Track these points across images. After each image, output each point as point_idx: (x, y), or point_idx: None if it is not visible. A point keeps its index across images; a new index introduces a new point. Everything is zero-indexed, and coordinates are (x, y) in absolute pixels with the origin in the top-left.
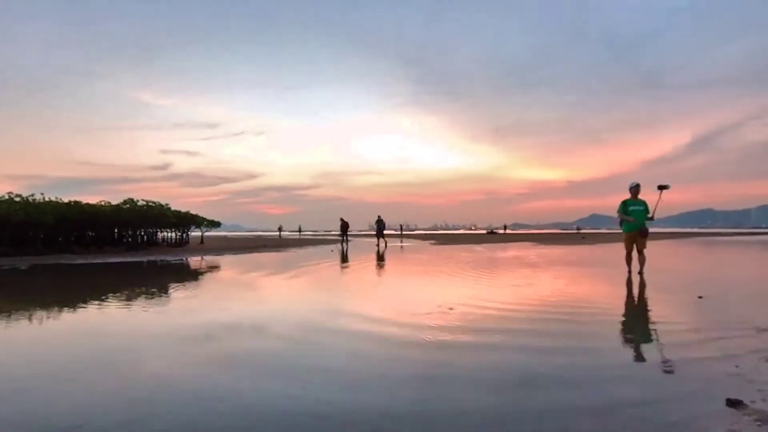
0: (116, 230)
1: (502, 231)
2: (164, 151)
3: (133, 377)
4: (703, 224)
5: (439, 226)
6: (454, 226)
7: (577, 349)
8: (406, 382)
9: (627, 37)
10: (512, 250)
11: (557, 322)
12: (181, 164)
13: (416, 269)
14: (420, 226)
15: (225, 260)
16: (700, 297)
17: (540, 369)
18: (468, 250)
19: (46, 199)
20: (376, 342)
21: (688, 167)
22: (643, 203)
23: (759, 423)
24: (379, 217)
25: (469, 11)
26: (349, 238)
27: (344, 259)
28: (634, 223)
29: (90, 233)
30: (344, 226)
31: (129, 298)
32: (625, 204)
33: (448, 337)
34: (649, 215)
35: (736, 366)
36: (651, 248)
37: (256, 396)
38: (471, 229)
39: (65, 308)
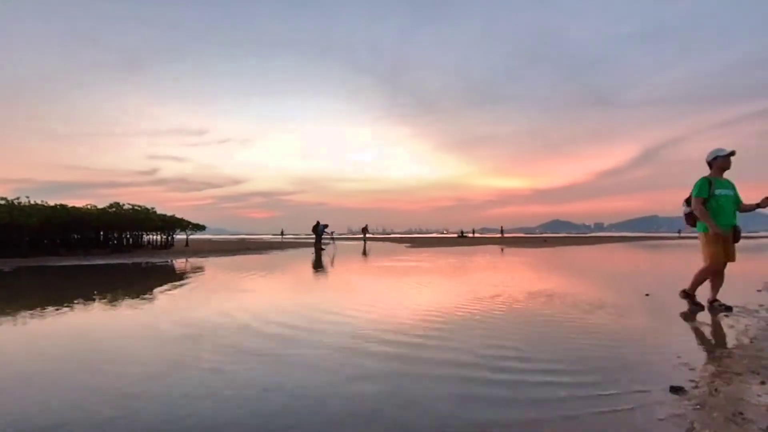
0: (102, 233)
1: (471, 235)
2: (152, 157)
3: (111, 375)
4: (650, 229)
5: (413, 230)
6: (427, 230)
7: (528, 342)
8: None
9: (583, 59)
10: (464, 254)
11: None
12: (169, 170)
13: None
14: (396, 230)
15: (207, 262)
16: (647, 295)
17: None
18: (414, 252)
19: (32, 202)
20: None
21: (636, 177)
22: (732, 186)
23: (698, 407)
24: (317, 222)
25: (439, 32)
26: (326, 241)
27: (316, 264)
28: (727, 220)
29: (75, 236)
30: (316, 229)
31: (110, 299)
32: (707, 184)
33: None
34: (746, 206)
35: (679, 357)
36: (604, 252)
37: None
38: (443, 233)
39: (48, 309)
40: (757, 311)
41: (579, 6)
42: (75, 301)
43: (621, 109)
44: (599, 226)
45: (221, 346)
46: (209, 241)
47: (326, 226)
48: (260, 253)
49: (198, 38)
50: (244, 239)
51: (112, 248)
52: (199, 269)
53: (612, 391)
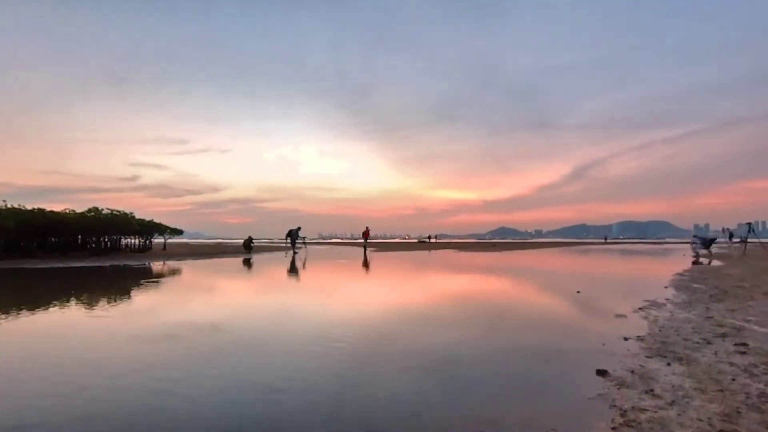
0: (80, 236)
1: (428, 240)
2: (134, 164)
3: (76, 372)
4: (580, 236)
5: (379, 235)
6: (391, 235)
7: (474, 333)
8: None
9: (523, 87)
10: (419, 256)
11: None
12: (150, 176)
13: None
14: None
15: (184, 264)
16: (578, 292)
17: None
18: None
19: (9, 205)
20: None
21: (569, 192)
22: None
23: (619, 387)
24: (290, 229)
25: (397, 60)
26: (299, 245)
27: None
28: None
29: (53, 239)
30: (290, 234)
31: (83, 300)
32: None
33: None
34: None
35: (603, 344)
36: (543, 255)
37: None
38: (405, 238)
39: (21, 310)
40: (664, 305)
41: (520, 39)
42: (49, 303)
43: (556, 132)
44: (539, 233)
45: (191, 346)
46: (186, 244)
47: (299, 228)
48: (236, 257)
49: (179, 56)
50: (220, 243)
51: (90, 251)
52: (175, 271)
53: (547, 375)
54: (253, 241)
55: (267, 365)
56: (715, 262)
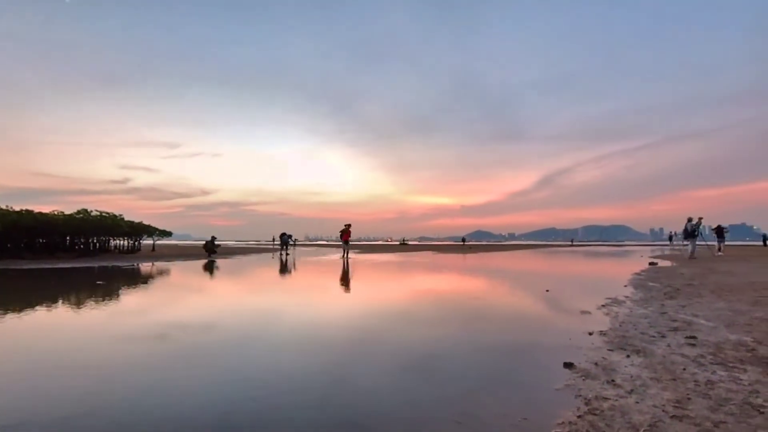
0: (68, 238)
1: (410, 242)
2: (125, 167)
3: (61, 373)
4: (549, 239)
5: (362, 237)
6: (374, 237)
7: (451, 329)
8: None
9: (498, 100)
10: (392, 257)
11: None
12: (141, 179)
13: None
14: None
15: (169, 265)
16: (547, 291)
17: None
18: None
19: None
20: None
21: (538, 198)
22: None
23: (584, 378)
24: (283, 232)
25: (378, 71)
26: (289, 249)
27: (283, 267)
28: None
29: (41, 240)
30: (282, 237)
31: (67, 300)
32: None
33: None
34: None
35: (569, 339)
36: (516, 256)
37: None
38: (387, 241)
39: (6, 311)
40: (624, 302)
41: (494, 55)
42: (33, 303)
43: (527, 143)
44: (512, 236)
45: (177, 345)
46: (176, 246)
47: (291, 236)
48: (225, 258)
49: (172, 63)
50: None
51: (79, 252)
52: (164, 271)
53: (519, 368)
54: (217, 242)
55: (253, 362)
56: (667, 263)
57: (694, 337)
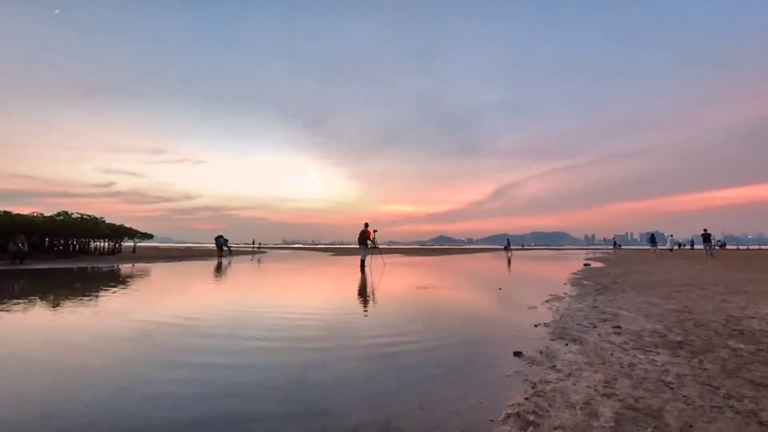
0: (47, 239)
1: (380, 246)
2: (109, 171)
3: (29, 374)
4: (502, 243)
5: (336, 241)
6: (348, 241)
7: (411, 325)
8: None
9: (457, 119)
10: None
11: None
12: (125, 183)
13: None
14: (323, 242)
15: (149, 266)
16: (500, 289)
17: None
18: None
19: None
20: None
21: (493, 207)
22: None
23: (530, 364)
24: (219, 236)
25: (350, 90)
26: (223, 253)
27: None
28: None
29: None
30: (217, 241)
31: (41, 300)
32: None
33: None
34: None
35: (518, 330)
36: (474, 259)
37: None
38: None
39: None
40: (563, 298)
41: (455, 78)
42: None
43: (483, 158)
44: (470, 240)
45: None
46: (156, 248)
47: (227, 240)
48: (204, 259)
49: (160, 73)
50: (190, 247)
51: (58, 253)
52: (143, 272)
53: (474, 358)
54: (224, 239)
55: (232, 357)
56: (598, 264)
57: (619, 327)
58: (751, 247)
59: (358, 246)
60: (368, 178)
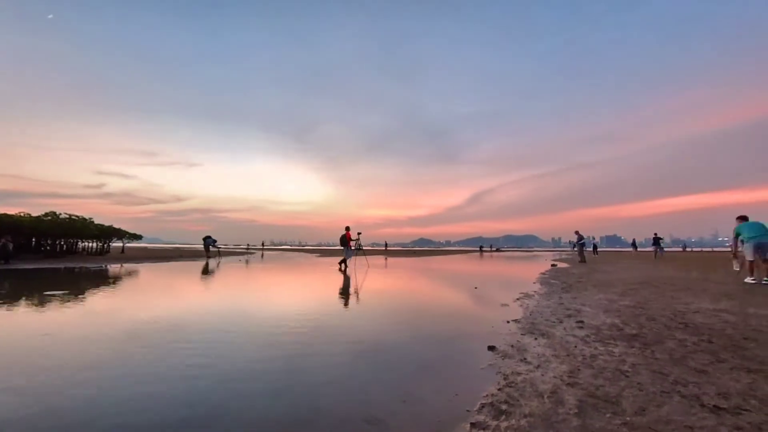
0: (34, 239)
1: (364, 248)
2: (100, 172)
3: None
4: (477, 245)
5: (323, 243)
6: (333, 243)
7: (392, 322)
8: None
9: (438, 128)
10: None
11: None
12: (116, 184)
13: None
14: (309, 243)
15: (137, 266)
16: (476, 288)
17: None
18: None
19: None
20: None
21: (469, 212)
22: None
23: (503, 358)
24: (206, 236)
25: (334, 100)
26: (211, 254)
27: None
28: None
29: None
30: (205, 241)
31: (23, 300)
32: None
33: None
34: None
35: (492, 327)
36: (452, 260)
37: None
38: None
39: None
40: (533, 295)
41: (435, 91)
42: None
43: (461, 165)
44: (448, 243)
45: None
46: (145, 249)
47: (215, 240)
48: (191, 260)
49: (153, 78)
50: (178, 248)
51: (45, 254)
52: (132, 272)
53: (451, 353)
54: (213, 239)
55: (217, 356)
56: (564, 265)
57: (582, 322)
58: (695, 249)
59: (342, 248)
60: (352, 183)
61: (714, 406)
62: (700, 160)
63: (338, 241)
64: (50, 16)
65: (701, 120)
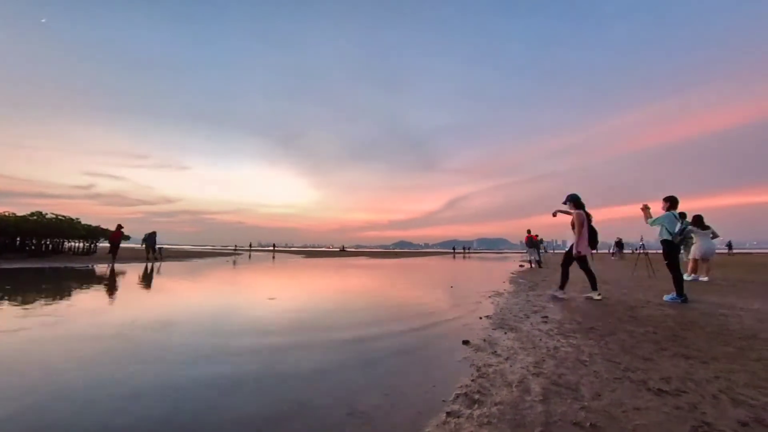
0: (18, 239)
1: (348, 249)
2: (90, 173)
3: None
4: (451, 247)
5: (308, 245)
6: (319, 245)
7: (373, 316)
8: None
9: (418, 138)
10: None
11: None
12: (106, 186)
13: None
14: (296, 245)
15: (124, 266)
16: (452, 286)
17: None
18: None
19: None
20: None
21: (446, 216)
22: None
23: (476, 351)
24: (151, 233)
25: (320, 109)
26: (153, 255)
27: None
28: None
29: None
30: (148, 239)
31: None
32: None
33: None
34: None
35: (466, 322)
36: (431, 261)
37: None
38: (329, 248)
39: None
40: (503, 294)
41: (415, 102)
42: None
43: (439, 173)
44: (427, 245)
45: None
46: (132, 249)
47: (155, 240)
48: (179, 260)
49: (148, 82)
50: (167, 248)
51: (29, 253)
52: (119, 273)
53: (429, 348)
54: (154, 239)
55: (203, 353)
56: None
57: (546, 317)
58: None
59: (328, 249)
60: (337, 188)
61: (658, 389)
62: (656, 172)
63: (323, 243)
64: (43, 20)
65: (655, 135)
